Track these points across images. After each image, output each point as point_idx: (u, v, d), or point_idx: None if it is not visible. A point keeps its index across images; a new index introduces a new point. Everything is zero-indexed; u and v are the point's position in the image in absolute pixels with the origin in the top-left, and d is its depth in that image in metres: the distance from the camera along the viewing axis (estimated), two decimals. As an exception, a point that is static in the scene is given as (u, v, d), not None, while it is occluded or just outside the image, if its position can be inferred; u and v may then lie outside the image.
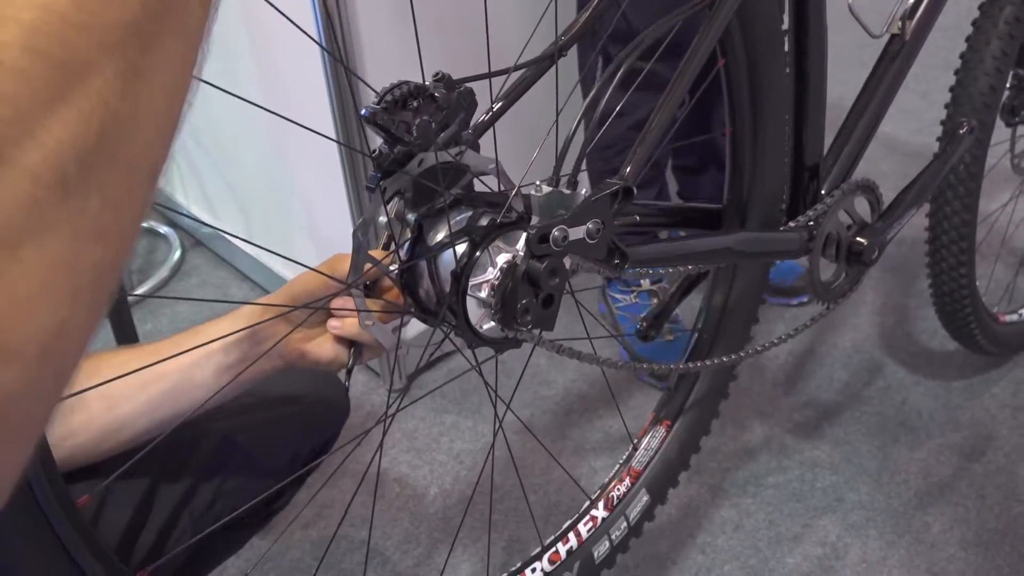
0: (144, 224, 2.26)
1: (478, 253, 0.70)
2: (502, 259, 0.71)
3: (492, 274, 0.70)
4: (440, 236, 0.72)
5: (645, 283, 1.74)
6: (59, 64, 0.29)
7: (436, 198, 0.72)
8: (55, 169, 0.29)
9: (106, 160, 0.31)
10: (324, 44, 1.32)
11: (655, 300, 1.71)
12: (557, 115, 0.74)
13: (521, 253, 0.69)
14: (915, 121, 2.20)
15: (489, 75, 0.76)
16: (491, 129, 0.76)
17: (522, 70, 0.80)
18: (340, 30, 1.29)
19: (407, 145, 0.71)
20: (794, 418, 1.56)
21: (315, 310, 0.76)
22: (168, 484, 0.87)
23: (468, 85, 0.75)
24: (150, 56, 0.32)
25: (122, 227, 0.33)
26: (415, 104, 0.70)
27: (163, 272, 2.03)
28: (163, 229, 2.16)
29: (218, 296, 1.95)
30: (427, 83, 0.72)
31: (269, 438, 0.95)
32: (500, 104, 0.79)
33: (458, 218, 0.73)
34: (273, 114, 0.70)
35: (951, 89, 1.28)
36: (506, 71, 0.76)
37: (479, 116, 0.79)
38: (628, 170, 0.73)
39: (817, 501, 1.41)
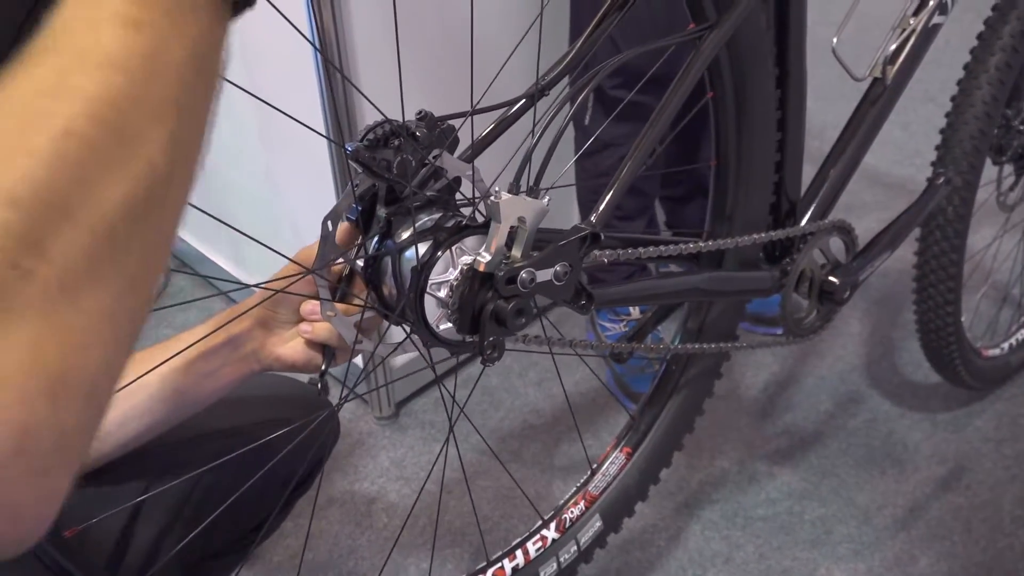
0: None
1: (440, 253, 0.71)
2: (464, 261, 0.72)
3: (452, 275, 0.72)
4: (406, 234, 0.73)
5: (635, 312, 1.75)
6: (118, 132, 0.34)
7: (406, 197, 0.73)
8: (109, 225, 0.33)
9: (147, 217, 0.35)
10: (319, 57, 1.32)
11: (659, 329, 1.71)
12: (532, 147, 0.75)
13: (481, 257, 0.70)
14: (897, 152, 2.22)
15: (471, 113, 0.77)
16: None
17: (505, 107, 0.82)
18: (337, 44, 1.30)
19: (387, 181, 0.73)
20: (782, 449, 1.57)
21: (275, 292, 0.78)
22: (155, 507, 0.87)
23: (450, 122, 0.77)
24: (186, 125, 0.37)
25: (151, 277, 0.37)
26: (396, 142, 0.72)
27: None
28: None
29: (202, 318, 1.95)
30: (409, 121, 0.74)
31: (257, 462, 0.96)
32: (481, 139, 0.82)
33: (427, 218, 0.74)
34: (272, 107, 0.71)
35: (941, 131, 1.29)
36: (486, 110, 0.78)
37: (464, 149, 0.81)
38: (597, 214, 0.73)
39: (806, 534, 1.41)
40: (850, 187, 1.08)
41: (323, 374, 0.79)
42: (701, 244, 0.84)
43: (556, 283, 0.70)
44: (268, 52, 1.40)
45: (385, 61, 1.32)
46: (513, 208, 0.67)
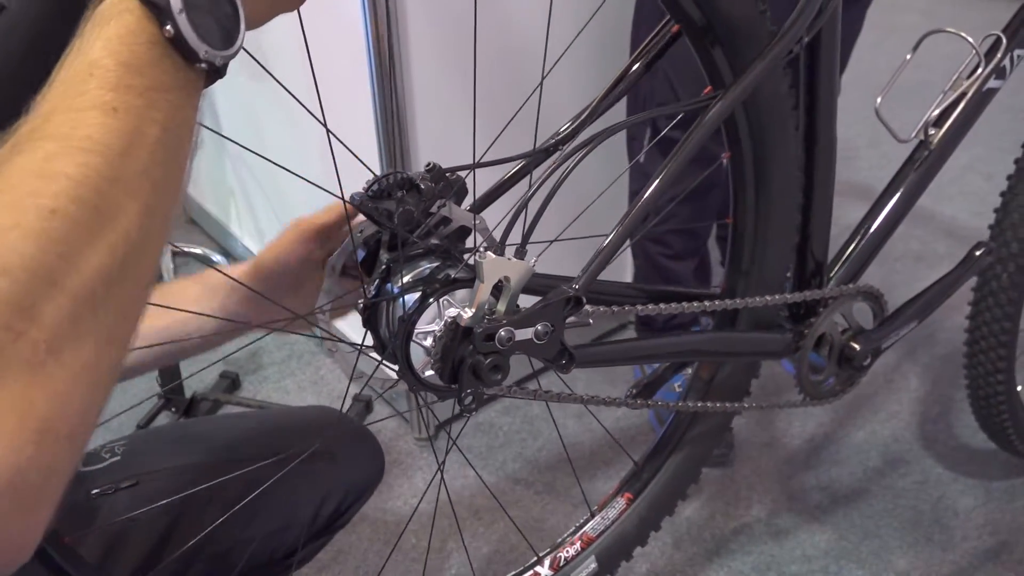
0: (197, 251, 2.36)
1: (431, 301, 0.73)
2: (450, 314, 0.73)
3: (438, 326, 0.73)
4: (400, 282, 0.75)
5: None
6: (97, 210, 0.39)
7: (405, 245, 0.75)
8: (89, 290, 0.38)
9: (122, 279, 0.40)
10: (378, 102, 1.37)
11: (688, 370, 1.69)
12: (525, 202, 0.76)
13: (464, 312, 0.71)
14: (977, 203, 2.11)
15: (474, 166, 0.79)
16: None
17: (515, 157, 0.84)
18: (394, 92, 1.34)
19: (388, 230, 0.75)
20: (823, 504, 1.52)
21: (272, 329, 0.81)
22: (186, 525, 0.89)
23: (460, 174, 0.79)
24: (159, 195, 0.42)
25: (127, 332, 0.42)
26: (400, 194, 0.74)
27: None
28: (216, 257, 2.23)
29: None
30: (417, 172, 0.77)
31: (296, 492, 0.97)
32: (487, 192, 0.84)
33: (425, 266, 0.76)
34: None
35: (1001, 195, 1.25)
36: (489, 164, 0.79)
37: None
38: (583, 278, 0.74)
39: (840, 596, 1.37)
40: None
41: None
42: (707, 304, 0.83)
43: (537, 342, 0.71)
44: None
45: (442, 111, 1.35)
46: (496, 269, 0.69)
